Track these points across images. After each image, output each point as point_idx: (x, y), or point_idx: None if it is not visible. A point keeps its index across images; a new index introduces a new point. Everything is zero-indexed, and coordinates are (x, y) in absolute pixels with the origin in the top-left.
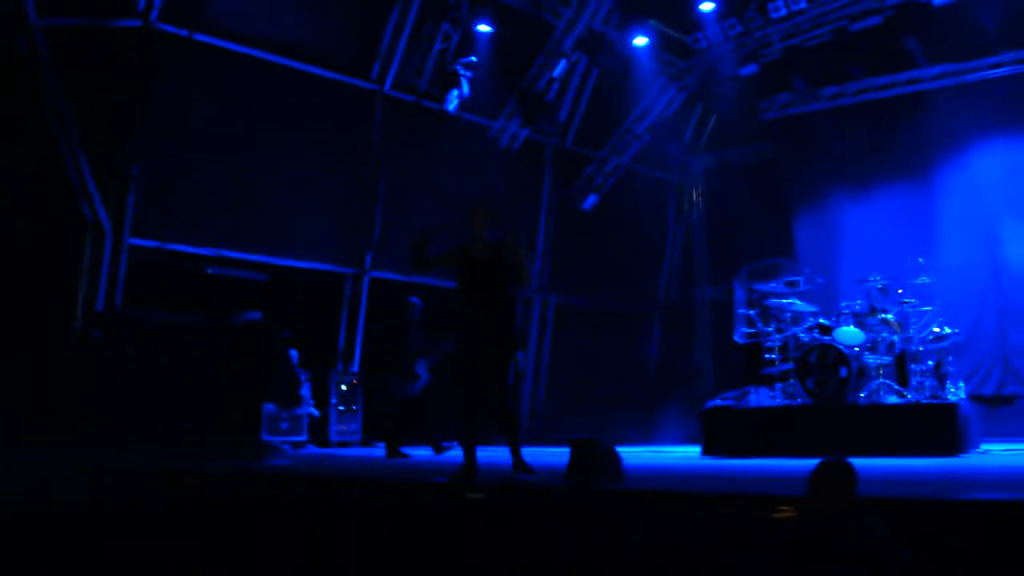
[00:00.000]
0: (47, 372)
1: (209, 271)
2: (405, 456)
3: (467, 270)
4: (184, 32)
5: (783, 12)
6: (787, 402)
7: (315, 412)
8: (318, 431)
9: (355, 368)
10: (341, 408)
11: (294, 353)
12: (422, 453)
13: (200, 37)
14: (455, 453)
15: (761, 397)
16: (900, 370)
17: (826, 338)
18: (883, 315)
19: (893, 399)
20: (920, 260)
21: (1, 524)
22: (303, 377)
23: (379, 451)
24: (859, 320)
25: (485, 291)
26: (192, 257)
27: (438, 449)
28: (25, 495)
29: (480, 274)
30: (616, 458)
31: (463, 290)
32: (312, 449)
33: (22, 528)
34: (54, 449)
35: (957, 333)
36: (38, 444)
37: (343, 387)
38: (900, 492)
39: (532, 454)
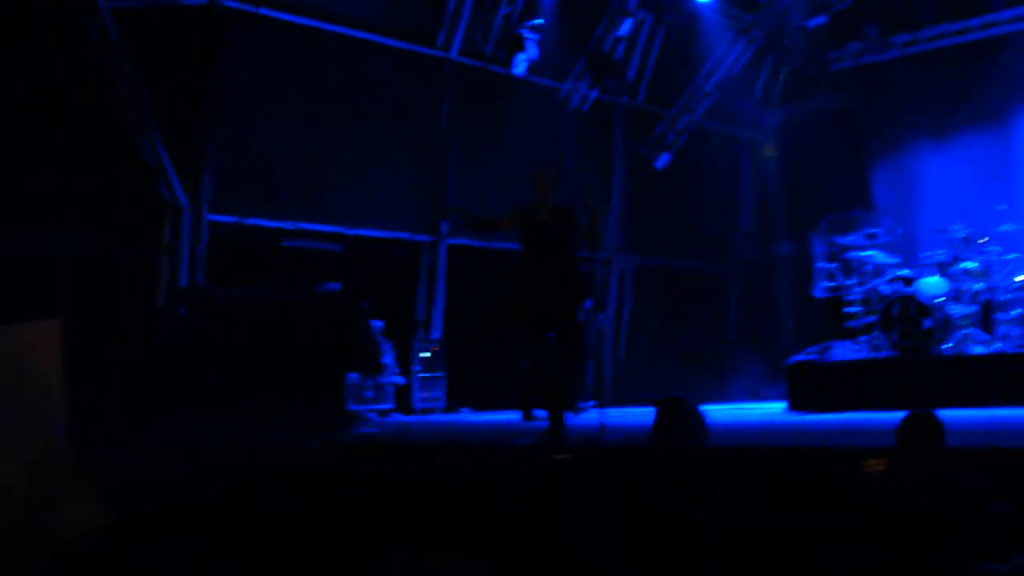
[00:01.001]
0: (134, 351)
1: (285, 244)
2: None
3: (530, 233)
4: (250, 7)
5: None
6: (871, 355)
7: (400, 380)
8: (402, 399)
9: (436, 335)
10: (424, 375)
11: (376, 323)
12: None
13: (266, 12)
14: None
15: (845, 351)
16: (986, 319)
17: (908, 289)
18: (966, 264)
19: (979, 349)
20: (1002, 207)
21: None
22: (385, 346)
23: (464, 416)
24: (941, 270)
25: (549, 255)
26: (269, 231)
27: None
28: (130, 472)
29: (544, 237)
30: (701, 417)
31: (526, 253)
32: (397, 417)
33: (139, 504)
34: (147, 428)
35: None
36: (129, 423)
37: (425, 354)
38: (991, 442)
39: (617, 415)
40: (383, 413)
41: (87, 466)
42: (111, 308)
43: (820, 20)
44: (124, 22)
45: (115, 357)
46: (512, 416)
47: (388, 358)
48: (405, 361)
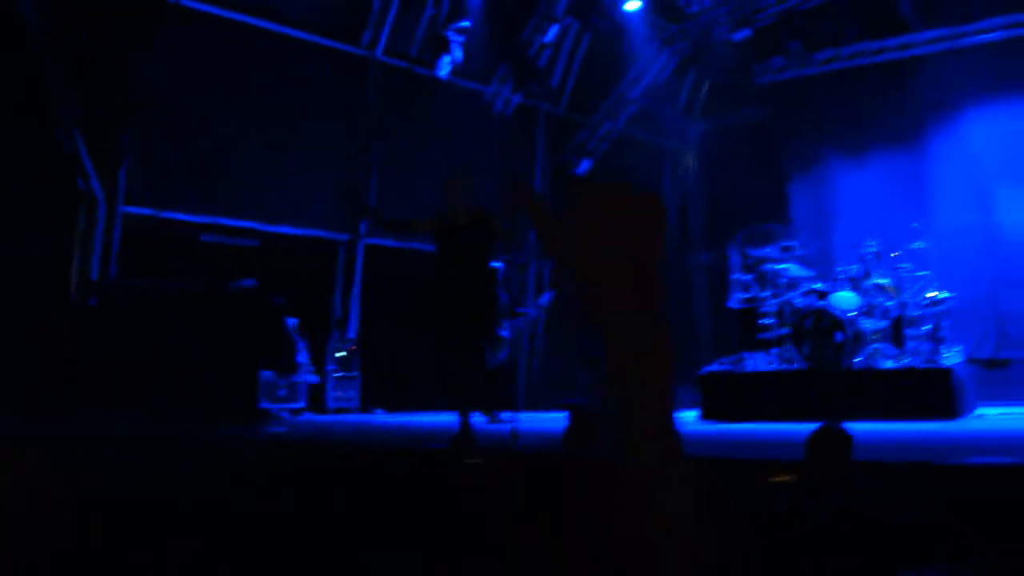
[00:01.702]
0: (43, 342)
1: (203, 238)
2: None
3: (444, 238)
4: None
5: None
6: (783, 367)
7: (313, 379)
8: (316, 398)
9: (352, 334)
10: (338, 375)
11: (291, 320)
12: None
13: (192, 4)
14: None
15: (757, 362)
16: (896, 334)
17: (821, 303)
18: (878, 280)
19: (889, 364)
20: (915, 224)
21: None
22: (300, 344)
23: (378, 417)
24: (854, 285)
25: (461, 259)
26: (186, 225)
27: (493, 418)
28: (39, 468)
29: (456, 242)
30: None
31: (440, 257)
32: (310, 416)
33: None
34: (52, 421)
35: (952, 297)
36: (36, 416)
37: (340, 354)
38: (895, 456)
39: (529, 420)
40: (296, 412)
41: None
42: (20, 300)
43: (745, 33)
44: (48, 8)
45: (19, 350)
46: (425, 418)
47: (302, 356)
48: (320, 360)
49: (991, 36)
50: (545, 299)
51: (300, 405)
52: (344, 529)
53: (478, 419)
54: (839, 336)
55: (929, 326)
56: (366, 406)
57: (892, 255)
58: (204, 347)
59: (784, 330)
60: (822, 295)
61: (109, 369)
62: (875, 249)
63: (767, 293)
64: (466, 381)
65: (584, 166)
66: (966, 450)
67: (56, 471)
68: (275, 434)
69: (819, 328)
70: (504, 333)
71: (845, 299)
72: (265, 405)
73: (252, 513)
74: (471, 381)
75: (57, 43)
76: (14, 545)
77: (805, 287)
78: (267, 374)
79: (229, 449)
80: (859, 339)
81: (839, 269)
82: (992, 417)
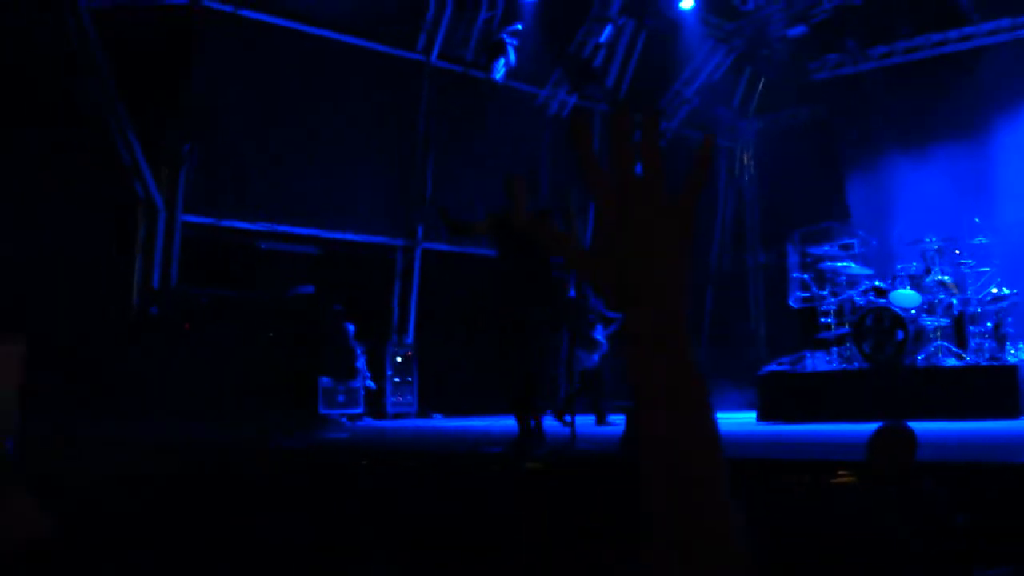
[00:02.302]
0: (107, 350)
1: (262, 246)
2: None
3: (506, 240)
4: (229, 8)
5: None
6: (844, 366)
7: (371, 384)
8: (374, 403)
9: (409, 339)
10: (396, 380)
11: (350, 326)
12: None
13: (245, 13)
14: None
15: (817, 362)
16: (958, 332)
17: (882, 301)
18: (940, 276)
19: (952, 361)
20: (976, 220)
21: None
22: (358, 350)
23: (436, 421)
24: (915, 282)
25: (524, 261)
26: (245, 233)
27: (601, 419)
28: (96, 471)
29: (519, 244)
30: None
31: (502, 260)
32: (369, 421)
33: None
34: (116, 428)
35: (1016, 293)
36: (100, 422)
37: (398, 359)
38: (960, 456)
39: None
40: (354, 418)
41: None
42: (84, 308)
43: (800, 30)
44: (104, 21)
45: (84, 358)
46: (482, 422)
47: (361, 362)
48: (378, 365)
49: None
50: None
51: (359, 411)
52: (403, 533)
53: (585, 421)
54: (900, 334)
55: (992, 323)
56: (424, 411)
57: (954, 252)
58: (263, 354)
59: (844, 329)
60: (882, 292)
61: (170, 376)
62: (936, 245)
63: (826, 292)
64: (526, 385)
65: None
66: None
67: (111, 473)
68: (336, 439)
69: (880, 326)
70: (599, 335)
71: (906, 296)
72: (325, 411)
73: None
74: (531, 385)
75: (115, 53)
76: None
77: (865, 285)
78: (326, 380)
79: (285, 459)
80: (921, 337)
81: (899, 266)
82: None
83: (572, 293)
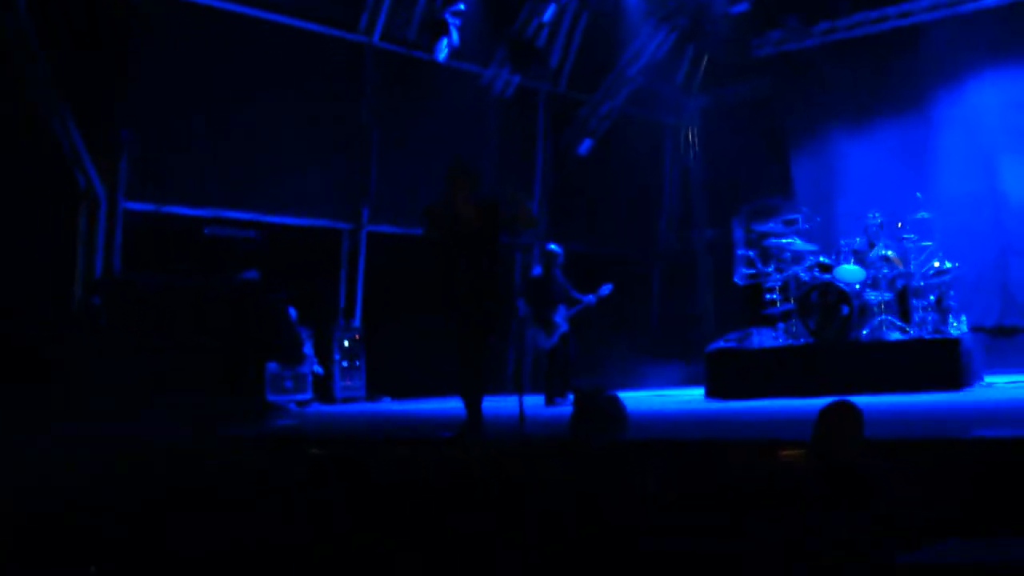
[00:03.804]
0: (48, 342)
1: (206, 232)
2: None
3: (449, 229)
4: None
5: None
6: (789, 342)
7: (319, 369)
8: (323, 389)
9: (356, 323)
10: (344, 364)
11: (292, 311)
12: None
13: None
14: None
15: (763, 338)
16: (902, 306)
17: (826, 276)
18: (883, 251)
19: (896, 335)
20: (918, 195)
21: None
22: (304, 335)
23: (385, 405)
24: (859, 257)
25: (471, 247)
26: (188, 219)
27: (550, 400)
28: (40, 468)
29: (462, 234)
30: (620, 406)
31: (450, 247)
32: (317, 407)
33: (44, 502)
34: (59, 421)
35: (957, 267)
36: (43, 416)
37: (346, 343)
38: (905, 432)
39: (538, 403)
40: (303, 403)
41: None
42: (24, 301)
43: (742, 7)
44: (39, 5)
45: (25, 350)
46: (433, 404)
47: (307, 347)
48: (325, 350)
49: (991, 2)
50: (606, 290)
51: (307, 396)
52: (354, 520)
53: (534, 401)
54: (845, 309)
55: (934, 296)
56: (372, 395)
57: (896, 226)
58: (210, 341)
59: (790, 305)
60: (827, 268)
61: (113, 366)
62: (879, 220)
63: (771, 268)
64: (472, 370)
65: (586, 146)
66: (974, 422)
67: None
68: (284, 426)
69: (825, 302)
70: (559, 319)
71: (850, 272)
72: (272, 397)
73: (255, 509)
74: (476, 370)
75: (51, 39)
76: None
77: (810, 261)
78: (273, 366)
79: (233, 448)
80: (865, 311)
81: (843, 242)
82: (1000, 386)
83: (538, 272)
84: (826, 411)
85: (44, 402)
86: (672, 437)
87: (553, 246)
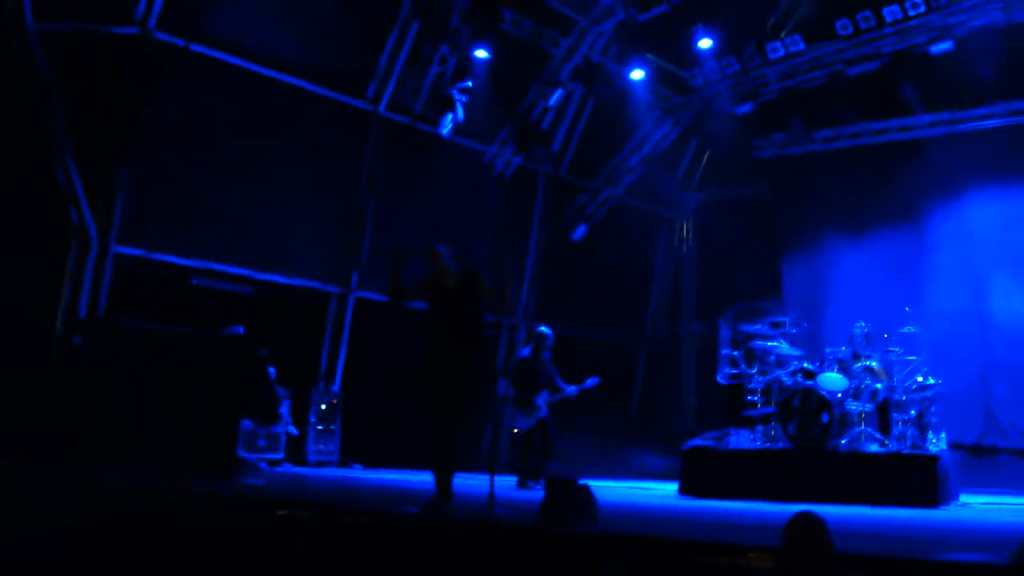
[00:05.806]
0: (26, 380)
1: (194, 282)
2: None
3: (438, 299)
4: (181, 42)
5: (781, 53)
6: (767, 445)
7: (293, 430)
8: (296, 450)
9: (336, 388)
10: (320, 427)
11: (272, 370)
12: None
13: (197, 48)
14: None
15: (741, 439)
16: (882, 418)
17: (809, 383)
18: (867, 362)
19: (874, 447)
20: (907, 309)
21: None
22: (282, 394)
23: (356, 472)
24: (843, 366)
25: (452, 320)
26: (178, 268)
27: (523, 483)
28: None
29: (449, 303)
30: (591, 498)
31: (433, 318)
32: (288, 468)
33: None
34: (32, 461)
35: (941, 384)
36: (16, 456)
37: (323, 407)
38: (877, 548)
39: (511, 484)
40: (274, 463)
41: None
42: (3, 336)
43: (747, 108)
44: (53, 45)
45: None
46: (403, 475)
47: (284, 407)
48: (302, 412)
49: (991, 123)
50: (591, 383)
51: (279, 456)
52: None
53: (507, 483)
54: (825, 417)
55: (915, 411)
56: (345, 460)
57: (883, 337)
58: (187, 392)
59: (770, 408)
60: (810, 375)
61: (89, 410)
62: (866, 331)
63: (755, 370)
64: (446, 444)
65: (580, 231)
66: (945, 545)
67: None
68: (251, 485)
69: (806, 408)
70: (540, 401)
71: (833, 380)
72: (244, 454)
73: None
74: (450, 444)
75: (59, 79)
76: None
77: (794, 366)
78: (247, 423)
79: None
80: (845, 421)
81: (828, 350)
82: (975, 507)
83: (526, 353)
84: (792, 523)
85: (20, 438)
86: (640, 533)
87: (544, 328)
